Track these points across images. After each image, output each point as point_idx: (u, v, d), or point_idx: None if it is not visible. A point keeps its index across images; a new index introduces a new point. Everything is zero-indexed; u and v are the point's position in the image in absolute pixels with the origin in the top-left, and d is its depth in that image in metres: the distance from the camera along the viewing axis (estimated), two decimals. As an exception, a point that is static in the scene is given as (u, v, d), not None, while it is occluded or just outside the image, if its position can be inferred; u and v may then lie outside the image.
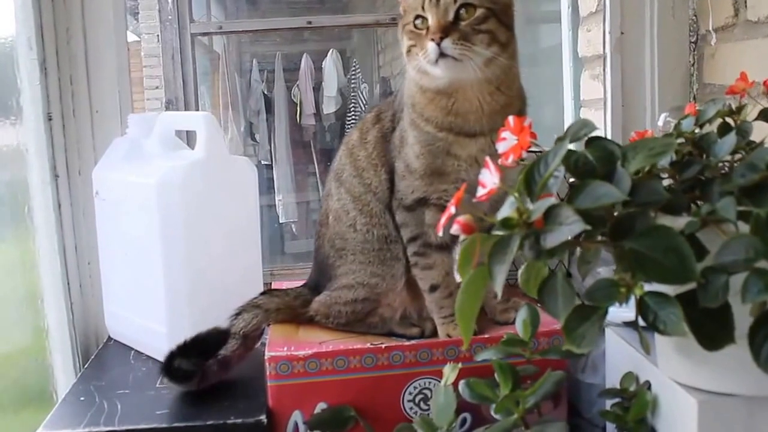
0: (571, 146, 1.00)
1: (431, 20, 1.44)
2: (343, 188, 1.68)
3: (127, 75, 2.08)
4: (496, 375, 1.22)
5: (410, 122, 1.57)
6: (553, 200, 0.90)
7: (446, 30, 1.43)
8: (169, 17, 2.64)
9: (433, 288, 1.59)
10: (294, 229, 8.08)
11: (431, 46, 1.42)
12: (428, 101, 1.53)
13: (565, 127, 1.05)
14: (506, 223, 0.91)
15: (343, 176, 1.68)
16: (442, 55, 1.42)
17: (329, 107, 7.85)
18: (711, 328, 0.89)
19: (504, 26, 1.49)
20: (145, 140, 1.89)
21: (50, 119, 1.94)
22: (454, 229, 0.93)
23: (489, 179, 0.96)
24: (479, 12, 1.46)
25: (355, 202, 1.65)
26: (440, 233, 1.00)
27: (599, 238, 0.93)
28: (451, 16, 1.44)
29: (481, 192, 0.97)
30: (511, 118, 1.03)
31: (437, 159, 1.53)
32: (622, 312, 1.07)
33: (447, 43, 1.42)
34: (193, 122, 1.87)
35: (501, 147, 1.03)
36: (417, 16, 1.47)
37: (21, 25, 1.88)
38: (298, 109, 7.92)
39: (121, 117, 2.04)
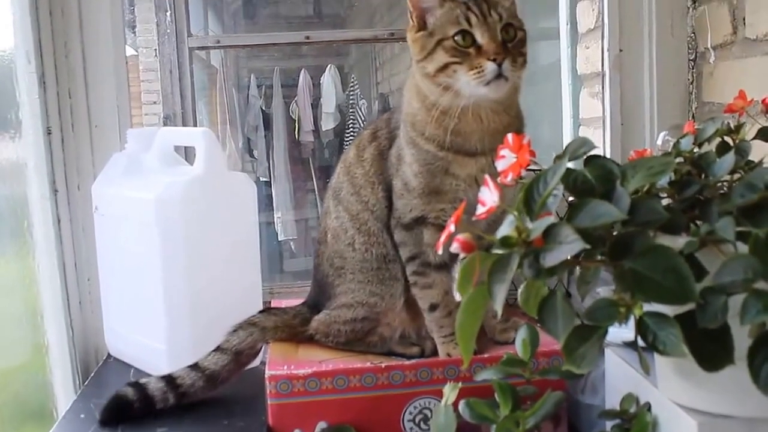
0: (571, 164, 1.00)
1: (483, 39, 1.43)
2: (341, 206, 1.68)
3: (125, 89, 2.08)
4: (496, 395, 1.22)
5: (409, 141, 1.56)
6: (552, 219, 0.90)
7: (505, 51, 1.42)
8: (167, 31, 2.65)
9: (433, 307, 1.59)
10: (293, 247, 8.08)
11: (491, 67, 1.40)
12: (432, 120, 1.51)
13: (564, 146, 1.06)
14: (506, 241, 0.91)
15: (341, 194, 1.68)
16: (498, 76, 1.41)
17: (328, 124, 7.84)
18: (710, 349, 0.89)
19: (527, 47, 1.50)
20: (144, 155, 1.89)
21: (49, 133, 1.95)
22: (454, 248, 0.93)
23: (489, 197, 0.96)
24: (520, 34, 1.48)
25: (353, 220, 1.65)
26: (440, 252, 0.99)
27: (598, 257, 0.93)
28: (499, 36, 1.43)
29: (480, 210, 0.97)
30: (509, 136, 1.03)
31: (435, 178, 1.53)
32: (621, 332, 1.07)
33: (507, 65, 1.41)
34: (192, 138, 1.87)
35: (500, 165, 1.03)
36: (460, 32, 1.44)
37: (19, 39, 1.89)
38: (297, 125, 7.93)
39: (120, 132, 2.04)
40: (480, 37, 1.43)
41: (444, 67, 1.45)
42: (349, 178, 1.68)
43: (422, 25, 1.50)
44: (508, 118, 1.54)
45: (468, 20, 1.43)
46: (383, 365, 1.51)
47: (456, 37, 1.44)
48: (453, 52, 1.44)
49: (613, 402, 1.34)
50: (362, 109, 7.83)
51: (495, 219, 1.00)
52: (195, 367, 1.63)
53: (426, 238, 1.56)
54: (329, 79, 7.79)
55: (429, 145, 1.53)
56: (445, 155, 1.52)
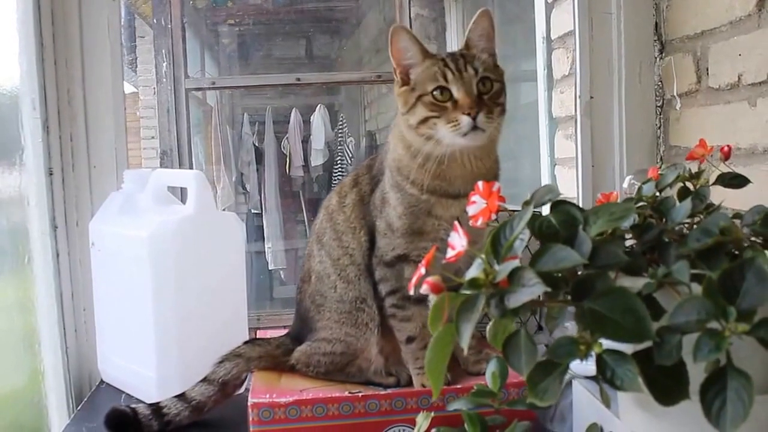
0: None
1: (459, 94, 1.50)
2: (324, 251, 1.73)
3: (123, 133, 2.14)
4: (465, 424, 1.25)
5: (394, 185, 1.61)
6: (517, 263, 0.94)
7: (478, 104, 1.48)
8: (166, 73, 2.73)
9: (410, 339, 1.64)
10: (282, 276, 8.10)
11: (466, 120, 1.47)
12: (418, 166, 1.56)
13: (542, 183, 1.10)
14: (473, 283, 0.95)
15: (324, 239, 1.73)
16: (474, 128, 1.48)
17: (317, 159, 7.91)
18: (666, 385, 0.92)
19: (505, 96, 1.57)
20: (139, 195, 1.94)
21: (51, 174, 2.01)
22: (424, 289, 0.97)
23: (458, 242, 1.01)
24: (496, 86, 1.53)
25: (334, 266, 1.70)
26: (411, 292, 1.03)
27: (562, 297, 0.96)
28: (475, 90, 1.50)
29: (450, 253, 1.01)
30: (480, 183, 1.09)
31: (418, 219, 1.59)
32: (587, 366, 1.10)
33: (481, 118, 1.48)
34: (184, 179, 1.92)
35: (471, 210, 1.08)
36: (438, 88, 1.51)
37: (26, 87, 1.95)
38: (288, 160, 7.98)
39: (117, 172, 2.10)
40: (456, 92, 1.50)
41: (425, 120, 1.52)
42: (332, 224, 1.73)
43: (406, 80, 1.58)
44: (489, 162, 1.60)
45: (445, 76, 1.51)
46: (360, 394, 1.55)
47: (434, 93, 1.51)
48: (432, 107, 1.52)
49: (580, 430, 1.37)
50: (350, 146, 7.92)
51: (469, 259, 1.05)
52: (182, 397, 1.67)
53: (407, 274, 1.61)
54: (319, 118, 7.85)
55: (413, 189, 1.58)
56: (428, 198, 1.57)
